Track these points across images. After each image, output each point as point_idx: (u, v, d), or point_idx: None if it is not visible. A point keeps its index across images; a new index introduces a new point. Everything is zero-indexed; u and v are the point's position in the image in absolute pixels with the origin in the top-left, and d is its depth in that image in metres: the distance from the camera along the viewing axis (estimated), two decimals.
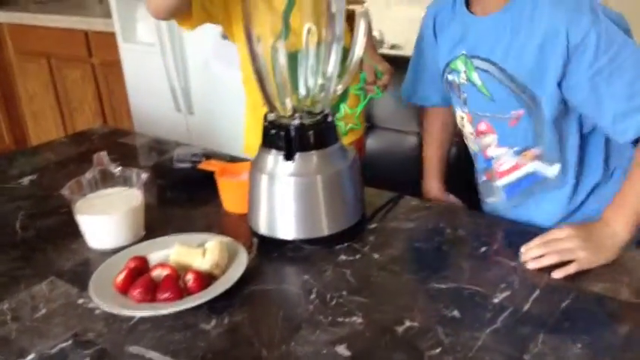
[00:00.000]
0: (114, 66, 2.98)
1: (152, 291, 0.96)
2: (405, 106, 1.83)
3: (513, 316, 0.92)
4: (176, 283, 0.98)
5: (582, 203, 1.25)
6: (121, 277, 1.00)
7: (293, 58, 1.11)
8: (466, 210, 1.34)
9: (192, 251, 1.04)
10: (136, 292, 0.96)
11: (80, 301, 1.01)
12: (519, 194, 1.27)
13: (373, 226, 1.20)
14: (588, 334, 0.88)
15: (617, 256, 1.03)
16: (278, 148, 1.12)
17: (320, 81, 1.14)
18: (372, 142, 1.97)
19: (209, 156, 1.44)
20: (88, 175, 1.21)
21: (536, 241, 1.05)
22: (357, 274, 1.05)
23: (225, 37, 2.35)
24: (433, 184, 1.48)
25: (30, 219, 1.30)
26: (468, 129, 1.30)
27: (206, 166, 1.36)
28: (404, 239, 1.16)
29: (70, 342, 0.92)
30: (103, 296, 0.97)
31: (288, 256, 1.12)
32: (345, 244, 1.13)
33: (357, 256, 1.10)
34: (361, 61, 1.20)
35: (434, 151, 1.49)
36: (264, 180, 1.12)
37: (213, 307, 0.96)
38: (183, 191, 1.38)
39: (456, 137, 1.49)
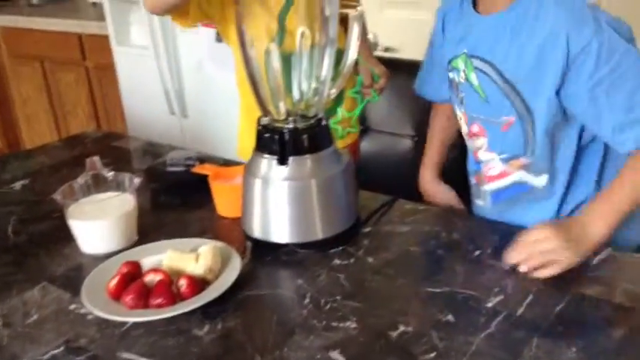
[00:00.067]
0: (108, 69, 2.97)
1: (145, 296, 0.96)
2: (406, 107, 1.84)
3: (507, 320, 0.92)
4: (169, 288, 0.97)
5: (572, 212, 1.24)
6: (114, 282, 0.99)
7: (288, 60, 1.11)
8: (460, 213, 1.34)
9: (185, 256, 1.03)
10: (129, 298, 0.96)
11: (72, 306, 1.01)
12: (505, 201, 1.27)
13: (367, 229, 1.20)
14: (582, 338, 0.88)
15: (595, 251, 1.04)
16: (272, 152, 1.11)
17: (314, 84, 1.13)
18: (366, 145, 1.96)
19: (203, 160, 1.44)
20: (81, 179, 1.21)
21: (517, 244, 1.04)
22: (351, 279, 1.04)
23: (219, 39, 2.36)
24: (427, 174, 1.48)
25: (22, 224, 1.29)
26: (463, 129, 1.31)
27: (200, 169, 1.35)
28: (398, 243, 1.16)
29: (62, 348, 0.91)
30: (96, 302, 0.97)
31: (282, 260, 1.11)
32: (340, 248, 1.13)
33: (352, 260, 1.10)
34: (357, 64, 1.20)
35: (434, 143, 1.49)
36: (257, 184, 1.12)
37: (206, 312, 0.96)
38: (176, 195, 1.37)
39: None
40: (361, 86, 1.46)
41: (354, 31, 1.14)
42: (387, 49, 2.37)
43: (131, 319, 0.94)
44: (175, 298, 0.96)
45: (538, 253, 1.01)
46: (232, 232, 1.21)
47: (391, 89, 1.84)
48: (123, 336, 0.93)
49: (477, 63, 1.19)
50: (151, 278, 1.00)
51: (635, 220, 1.13)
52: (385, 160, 1.93)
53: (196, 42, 2.51)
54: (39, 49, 3.35)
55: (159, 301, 0.95)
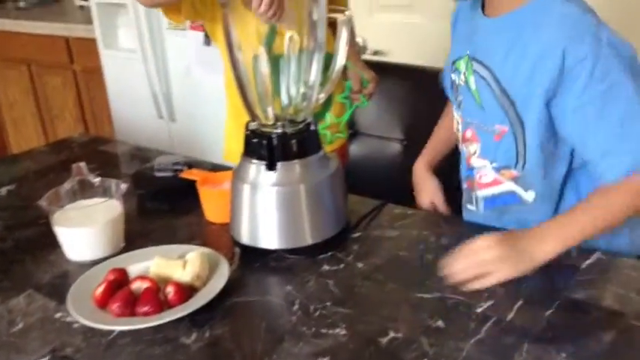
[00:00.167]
0: (95, 72, 2.95)
1: (131, 304, 0.95)
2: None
3: (497, 325, 0.92)
4: (156, 296, 0.96)
5: None
6: (100, 290, 0.98)
7: (277, 63, 1.10)
8: (449, 217, 1.33)
9: (173, 263, 1.02)
10: (115, 306, 0.94)
11: (58, 314, 0.99)
12: (498, 208, 1.24)
13: (357, 234, 1.19)
14: (572, 343, 0.88)
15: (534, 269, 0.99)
16: (260, 158, 1.10)
17: (302, 89, 1.13)
18: (355, 149, 1.96)
19: (191, 164, 1.42)
20: (67, 185, 1.19)
21: (458, 252, 1.00)
22: (340, 284, 1.04)
23: (207, 43, 2.36)
24: (420, 164, 1.46)
25: (8, 230, 1.28)
26: (459, 133, 1.29)
27: (187, 175, 1.34)
28: (388, 248, 1.15)
29: (47, 358, 0.90)
30: (82, 310, 0.95)
31: (271, 266, 1.11)
32: (329, 254, 1.12)
33: (341, 266, 1.09)
34: (346, 69, 1.20)
35: (435, 138, 1.48)
36: (246, 190, 1.11)
37: (194, 320, 0.95)
38: (164, 201, 1.36)
39: None
40: (350, 91, 1.45)
41: (343, 35, 1.14)
42: (376, 53, 2.36)
43: (117, 328, 0.93)
44: (162, 305, 0.95)
45: (476, 263, 0.98)
46: (221, 237, 1.20)
47: (381, 93, 1.84)
48: (109, 345, 0.92)
49: (476, 66, 1.17)
50: (138, 286, 0.98)
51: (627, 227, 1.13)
52: (374, 164, 1.93)
53: (184, 45, 2.50)
54: (26, 52, 3.33)
55: (146, 309, 0.94)
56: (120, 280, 1.00)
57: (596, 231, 1.04)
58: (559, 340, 0.88)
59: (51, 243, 1.16)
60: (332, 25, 1.16)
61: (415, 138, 1.87)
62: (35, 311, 1.01)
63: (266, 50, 1.11)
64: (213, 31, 1.52)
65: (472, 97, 1.19)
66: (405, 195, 1.51)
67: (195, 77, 2.52)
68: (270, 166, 1.10)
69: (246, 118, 1.14)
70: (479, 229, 1.23)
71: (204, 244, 1.14)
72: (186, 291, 0.98)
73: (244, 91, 1.11)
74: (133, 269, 1.05)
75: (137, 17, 2.57)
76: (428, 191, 1.42)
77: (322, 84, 1.15)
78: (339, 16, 1.14)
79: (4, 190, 1.47)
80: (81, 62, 3.11)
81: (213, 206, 1.26)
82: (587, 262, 1.05)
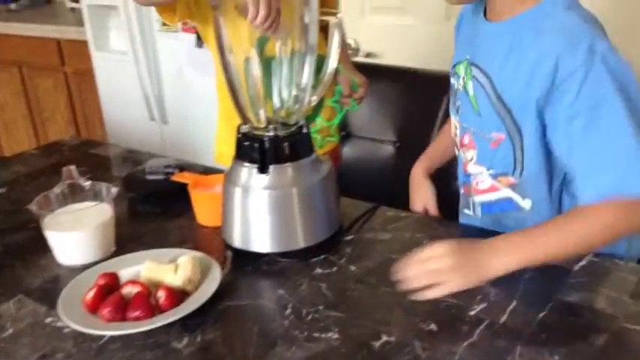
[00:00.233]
0: (86, 75, 2.94)
1: (122, 309, 0.94)
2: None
3: (490, 328, 0.91)
4: (147, 300, 0.95)
5: None
6: (91, 294, 0.97)
7: (269, 66, 1.10)
8: (442, 220, 1.33)
9: (164, 267, 1.02)
10: (106, 311, 0.94)
11: (48, 320, 0.98)
12: (495, 214, 1.22)
13: (349, 237, 1.19)
14: (565, 345, 0.88)
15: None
16: (252, 161, 1.10)
17: (294, 92, 1.12)
18: (348, 151, 1.96)
19: (182, 167, 1.42)
20: (57, 189, 1.18)
21: (412, 259, 0.96)
22: (333, 288, 1.03)
23: (199, 45, 2.35)
24: (418, 167, 1.43)
25: None
26: (457, 138, 1.27)
27: (179, 178, 1.34)
28: (380, 251, 1.15)
29: None
30: (72, 315, 0.95)
31: (263, 269, 1.10)
32: (321, 257, 1.12)
33: (334, 269, 1.09)
34: (337, 73, 1.19)
35: (437, 142, 1.46)
36: (237, 193, 1.11)
37: (185, 324, 0.94)
38: (155, 204, 1.36)
39: None
40: (340, 96, 1.45)
41: (335, 38, 1.14)
42: (368, 55, 2.36)
43: (108, 333, 0.92)
44: (154, 310, 0.95)
45: (429, 271, 0.94)
46: (212, 241, 1.19)
47: (373, 95, 1.84)
48: (100, 350, 0.91)
49: (475, 72, 1.15)
50: (129, 290, 0.98)
51: None
52: (367, 166, 1.93)
53: (176, 47, 2.49)
54: (17, 54, 3.31)
55: (137, 313, 0.93)
56: (111, 285, 1.00)
57: (557, 254, 0.99)
58: (552, 343, 0.88)
59: (41, 247, 1.15)
60: (323, 29, 1.16)
61: (408, 140, 1.87)
62: (25, 316, 1.00)
63: (258, 53, 1.11)
64: (206, 33, 1.51)
65: (470, 102, 1.17)
66: (398, 197, 1.51)
67: (187, 79, 2.51)
68: (262, 170, 1.09)
69: (237, 120, 1.14)
70: (472, 231, 1.24)
71: (195, 247, 1.13)
72: (178, 295, 0.97)
73: (236, 93, 1.10)
74: (124, 273, 1.04)
75: (128, 19, 2.56)
76: (422, 197, 1.40)
77: (314, 86, 1.15)
78: (331, 19, 1.13)
79: None
80: (72, 64, 3.10)
81: (204, 209, 1.26)
82: (580, 264, 1.05)
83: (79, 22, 2.86)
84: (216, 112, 1.64)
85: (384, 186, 1.84)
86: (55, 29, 3.09)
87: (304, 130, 1.13)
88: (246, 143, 1.11)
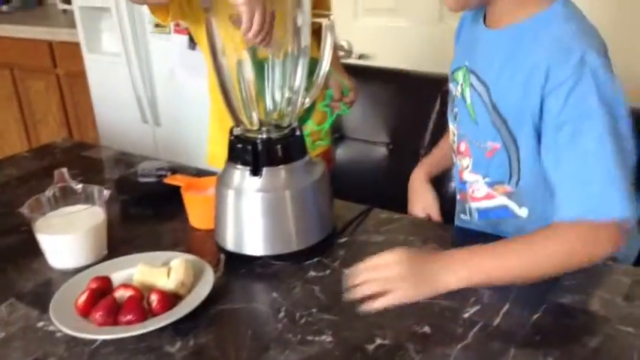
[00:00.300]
0: (79, 76, 2.93)
1: (115, 313, 0.94)
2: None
3: (484, 330, 0.91)
4: (139, 304, 0.95)
5: None
6: (83, 298, 0.97)
7: (262, 68, 1.09)
8: (435, 223, 1.32)
9: (157, 270, 1.01)
10: (98, 315, 0.93)
11: (40, 324, 0.98)
12: (493, 219, 1.20)
13: (343, 240, 1.19)
14: (559, 347, 0.88)
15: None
16: (245, 163, 1.10)
17: (287, 94, 1.12)
18: (341, 153, 1.96)
19: (175, 170, 1.41)
20: (48, 192, 1.18)
21: (362, 265, 0.94)
22: (326, 291, 1.03)
23: (192, 47, 2.34)
24: (419, 172, 1.40)
25: None
26: (454, 145, 1.25)
27: (172, 180, 1.33)
28: (374, 253, 1.12)
29: None
30: (64, 319, 0.94)
31: (256, 272, 1.10)
32: (315, 260, 1.12)
33: (327, 272, 1.08)
34: (328, 77, 1.19)
35: (439, 149, 1.43)
36: (230, 196, 1.10)
37: (178, 328, 0.94)
38: (147, 207, 1.35)
39: None
40: (331, 99, 1.45)
41: (328, 40, 1.13)
42: (361, 57, 2.36)
43: (100, 337, 0.92)
44: (146, 314, 0.94)
45: (377, 279, 0.92)
46: (205, 244, 1.19)
47: (366, 97, 1.84)
48: (92, 354, 0.90)
49: (473, 80, 1.13)
50: (122, 294, 0.97)
51: None
52: (360, 168, 1.92)
53: (168, 49, 2.49)
54: (8, 56, 3.30)
55: (129, 317, 0.93)
56: (103, 289, 0.99)
57: (515, 276, 0.97)
58: (545, 345, 0.88)
59: (33, 251, 1.14)
60: (315, 33, 1.16)
61: (401, 142, 1.87)
62: (17, 320, 0.99)
63: (250, 55, 1.11)
64: (198, 34, 1.51)
65: (467, 110, 1.15)
66: (392, 199, 1.51)
67: (180, 81, 2.51)
68: (255, 172, 1.09)
69: (229, 121, 1.14)
70: (464, 233, 1.24)
71: (188, 250, 1.13)
72: (171, 299, 0.97)
73: (228, 96, 1.10)
74: (117, 277, 1.04)
75: (121, 21, 2.56)
76: (423, 202, 1.36)
77: (307, 89, 1.15)
78: (324, 21, 1.13)
79: None
80: (64, 66, 3.09)
81: (197, 212, 1.25)
82: None
83: (71, 24, 2.85)
84: (208, 114, 1.63)
85: (378, 188, 1.84)
86: (47, 31, 3.08)
87: (297, 133, 1.13)
88: (239, 145, 1.11)
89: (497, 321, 0.93)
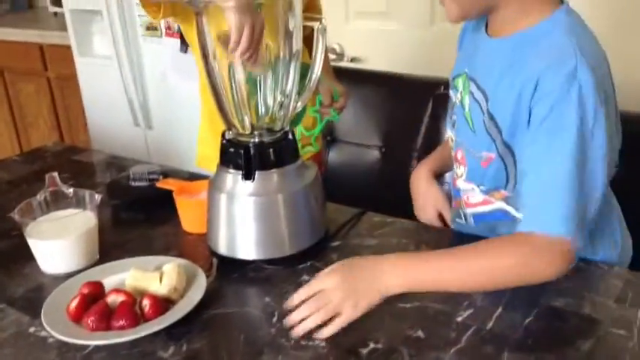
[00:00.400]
0: (70, 79, 2.92)
1: (107, 318, 0.93)
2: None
3: (477, 334, 0.91)
4: (132, 309, 0.94)
5: None
6: (75, 303, 0.96)
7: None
8: (428, 226, 1.32)
9: (149, 275, 1.01)
10: (90, 320, 0.93)
11: (32, 329, 0.97)
12: (489, 222, 1.18)
13: (336, 243, 1.19)
14: (551, 350, 0.88)
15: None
16: (237, 167, 1.09)
17: (279, 98, 1.12)
18: (333, 156, 1.96)
19: (166, 174, 1.41)
20: (40, 196, 1.17)
21: (303, 294, 0.93)
22: None
23: (183, 50, 2.34)
24: (423, 170, 1.35)
25: None
26: (452, 152, 1.24)
27: (164, 184, 1.33)
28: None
29: None
30: (56, 324, 0.94)
31: (249, 276, 1.09)
32: (308, 263, 1.11)
33: None
34: (318, 82, 1.18)
35: (442, 146, 1.39)
36: (223, 200, 1.10)
37: (171, 333, 0.93)
38: (139, 211, 1.34)
39: None
40: (321, 105, 1.44)
41: (320, 43, 1.13)
42: (352, 60, 2.36)
43: (93, 343, 0.91)
44: (139, 319, 0.94)
45: (320, 308, 0.91)
46: (198, 248, 1.18)
47: (358, 100, 1.85)
48: None
49: (473, 88, 1.11)
50: (114, 299, 0.97)
51: (604, 241, 1.13)
52: (353, 171, 1.93)
53: (160, 52, 2.48)
54: None
55: (121, 322, 0.92)
56: (95, 294, 0.99)
57: (453, 284, 0.96)
58: (538, 348, 0.88)
59: (25, 255, 1.14)
60: (306, 39, 1.16)
61: (393, 145, 1.87)
62: (8, 326, 0.98)
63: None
64: (188, 33, 1.50)
65: (465, 118, 1.14)
66: (384, 202, 1.51)
67: (172, 84, 2.50)
68: (248, 176, 1.09)
69: (220, 123, 1.13)
70: (458, 236, 1.24)
71: (180, 254, 1.13)
72: (163, 304, 0.97)
73: (220, 99, 1.10)
74: (109, 282, 1.03)
75: (112, 24, 2.55)
76: (434, 200, 1.31)
77: (299, 92, 1.15)
78: (315, 24, 1.13)
79: None
80: (55, 69, 3.08)
81: (189, 216, 1.25)
82: None
83: (62, 27, 2.84)
84: (199, 115, 1.63)
85: (370, 191, 1.84)
86: (38, 34, 3.07)
87: (289, 137, 1.13)
88: (231, 149, 1.10)
89: (490, 325, 0.93)
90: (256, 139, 1.10)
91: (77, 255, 1.11)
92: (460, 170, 1.19)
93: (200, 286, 1.01)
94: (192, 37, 1.49)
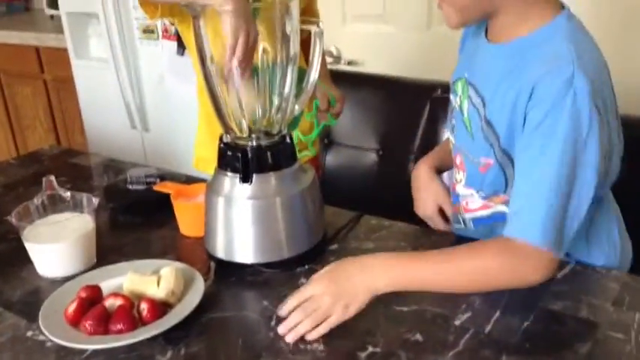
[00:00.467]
0: (66, 82, 2.92)
1: (105, 322, 0.93)
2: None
3: (475, 337, 0.92)
4: (129, 313, 0.94)
5: None
6: (72, 307, 0.96)
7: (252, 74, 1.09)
8: (426, 229, 1.32)
9: (147, 279, 1.01)
10: (88, 324, 0.93)
11: (29, 333, 0.97)
12: (488, 225, 1.18)
13: (333, 247, 1.19)
14: (549, 354, 0.88)
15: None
16: (234, 170, 1.09)
17: (276, 101, 1.12)
18: (331, 159, 1.96)
19: (164, 177, 1.41)
20: (37, 200, 1.17)
21: (294, 301, 0.95)
22: None
23: (180, 52, 2.34)
24: (424, 165, 1.33)
25: None
26: (452, 155, 1.23)
27: (161, 187, 1.32)
28: None
29: None
30: (54, 328, 0.93)
31: (247, 280, 1.09)
32: (306, 267, 1.11)
33: None
34: (315, 88, 1.19)
35: (444, 143, 1.37)
36: (220, 203, 1.10)
37: (168, 337, 0.93)
38: (137, 214, 1.34)
39: None
40: (317, 110, 1.44)
41: (317, 46, 1.13)
42: (349, 63, 2.37)
43: (91, 347, 0.91)
44: (136, 323, 0.94)
45: (309, 314, 0.93)
46: (195, 251, 1.18)
47: (356, 103, 1.85)
48: None
49: (472, 93, 1.10)
50: (111, 303, 0.97)
51: (601, 246, 1.13)
52: (350, 174, 1.93)
53: (157, 55, 2.48)
54: None
55: (119, 326, 0.92)
56: (93, 298, 0.98)
57: (438, 284, 0.98)
58: (536, 352, 0.88)
59: (22, 259, 1.13)
60: (302, 44, 1.15)
61: (390, 148, 1.87)
62: (5, 330, 0.98)
63: None
64: (186, 34, 1.50)
65: (464, 124, 1.13)
66: (382, 205, 1.51)
67: (168, 87, 2.50)
68: (245, 179, 1.08)
69: (218, 125, 1.13)
70: (457, 239, 1.23)
71: (178, 258, 1.13)
72: (161, 308, 0.96)
73: (217, 102, 1.09)
74: (106, 285, 1.03)
75: (108, 27, 2.55)
76: (435, 195, 1.30)
77: (297, 95, 1.15)
78: (312, 28, 1.13)
79: None
80: (52, 72, 3.07)
81: (187, 220, 1.25)
82: (563, 272, 1.06)
83: (59, 30, 2.84)
84: (197, 120, 1.63)
85: (368, 194, 1.84)
86: (34, 36, 3.06)
87: (287, 140, 1.13)
88: (229, 153, 1.10)
89: (488, 328, 0.93)
90: (254, 143, 1.10)
91: (75, 258, 1.11)
92: (459, 175, 1.18)
93: (198, 289, 1.01)
94: (189, 39, 1.48)
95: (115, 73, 2.61)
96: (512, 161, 1.04)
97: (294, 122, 1.25)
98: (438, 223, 1.30)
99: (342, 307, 0.93)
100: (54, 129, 3.23)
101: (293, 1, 1.08)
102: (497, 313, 0.96)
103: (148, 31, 2.47)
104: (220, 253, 1.12)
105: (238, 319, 1.00)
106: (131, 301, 0.97)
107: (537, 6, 1.01)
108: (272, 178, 1.10)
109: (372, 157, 1.89)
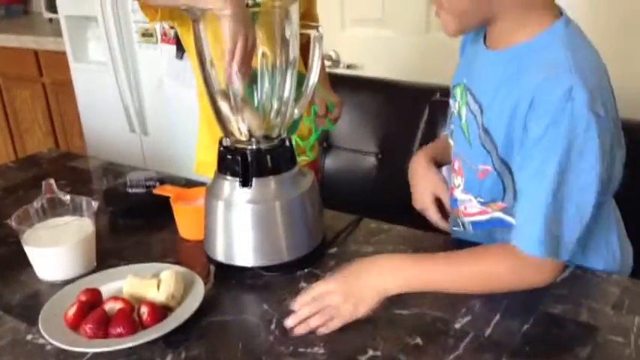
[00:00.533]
0: (65, 85, 2.92)
1: (105, 325, 0.93)
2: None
3: (475, 341, 0.92)
4: (129, 316, 0.94)
5: None
6: (72, 311, 0.96)
7: (253, 78, 1.09)
8: (425, 232, 1.32)
9: (146, 282, 1.01)
10: (88, 327, 0.93)
11: (29, 337, 0.97)
12: (487, 229, 1.17)
13: (333, 250, 1.19)
14: (549, 357, 0.88)
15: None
16: (234, 174, 1.09)
17: (276, 105, 1.12)
18: (330, 163, 1.96)
19: (163, 180, 1.41)
20: (36, 203, 1.17)
21: (306, 297, 0.97)
22: None
23: (179, 56, 2.34)
24: (421, 157, 1.30)
25: None
26: (452, 158, 1.23)
27: (161, 191, 1.32)
28: None
29: None
30: (54, 332, 0.93)
31: (247, 284, 1.09)
32: (306, 270, 1.11)
33: None
34: (314, 92, 1.19)
35: (442, 140, 1.34)
36: (220, 207, 1.10)
37: (169, 341, 0.93)
38: (136, 218, 1.34)
39: None
40: (316, 115, 1.45)
41: (317, 51, 1.14)
42: (349, 67, 2.37)
43: (91, 350, 0.91)
44: (136, 326, 0.94)
45: (320, 309, 0.95)
46: (195, 255, 1.18)
47: (354, 106, 1.85)
48: None
49: (469, 99, 1.09)
50: (111, 306, 0.97)
51: (600, 253, 1.13)
52: (349, 178, 1.93)
53: (156, 58, 2.48)
54: None
55: (119, 330, 0.92)
56: (93, 301, 0.98)
57: (446, 286, 1.00)
58: (536, 355, 0.89)
59: (22, 262, 1.13)
60: (302, 49, 1.16)
61: (389, 151, 1.88)
62: (5, 334, 0.98)
63: None
64: (185, 37, 1.50)
65: (462, 130, 1.13)
66: (381, 209, 1.51)
67: (168, 90, 2.50)
68: (245, 183, 1.09)
69: (219, 129, 1.13)
70: (455, 242, 1.23)
71: (178, 261, 1.13)
72: (161, 311, 0.96)
73: (217, 106, 1.10)
74: (106, 289, 1.03)
75: (107, 30, 2.55)
76: (432, 187, 1.27)
77: (296, 99, 1.15)
78: (312, 32, 1.13)
79: None
80: (50, 75, 3.07)
81: (187, 223, 1.25)
82: (562, 276, 1.06)
83: (57, 33, 2.84)
84: (196, 124, 1.63)
85: (367, 197, 1.84)
86: (33, 40, 3.06)
87: (286, 144, 1.13)
88: (229, 156, 1.10)
89: (488, 331, 0.93)
90: (253, 146, 1.10)
91: (74, 262, 1.11)
92: (457, 180, 1.18)
93: (198, 293, 1.01)
94: (189, 42, 1.49)
95: (113, 77, 2.61)
96: (510, 170, 1.04)
97: (293, 126, 1.25)
98: (433, 215, 1.27)
99: (352, 306, 0.95)
100: (53, 132, 3.23)
101: (292, 5, 1.08)
102: (497, 317, 0.96)
103: (146, 34, 2.47)
104: (220, 256, 1.12)
105: (238, 322, 1.00)
106: (131, 305, 0.97)
107: (535, 12, 1.00)
108: (272, 181, 1.10)
109: (371, 161, 1.89)
